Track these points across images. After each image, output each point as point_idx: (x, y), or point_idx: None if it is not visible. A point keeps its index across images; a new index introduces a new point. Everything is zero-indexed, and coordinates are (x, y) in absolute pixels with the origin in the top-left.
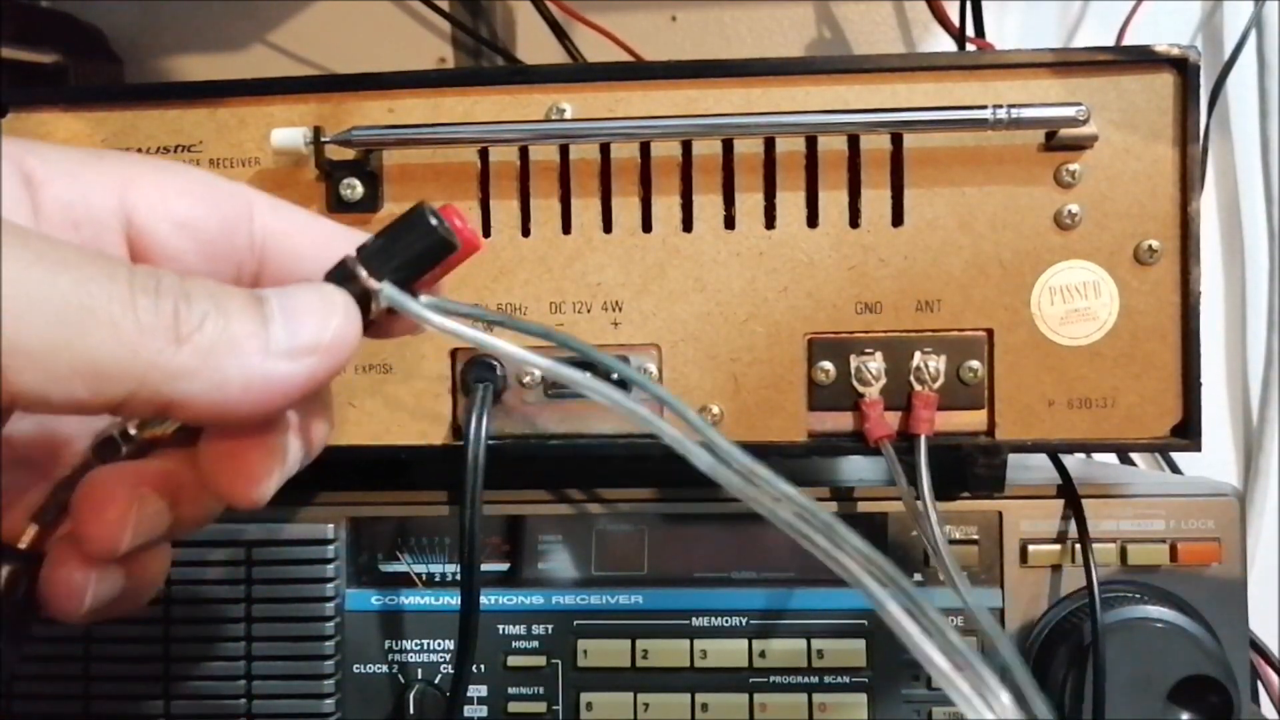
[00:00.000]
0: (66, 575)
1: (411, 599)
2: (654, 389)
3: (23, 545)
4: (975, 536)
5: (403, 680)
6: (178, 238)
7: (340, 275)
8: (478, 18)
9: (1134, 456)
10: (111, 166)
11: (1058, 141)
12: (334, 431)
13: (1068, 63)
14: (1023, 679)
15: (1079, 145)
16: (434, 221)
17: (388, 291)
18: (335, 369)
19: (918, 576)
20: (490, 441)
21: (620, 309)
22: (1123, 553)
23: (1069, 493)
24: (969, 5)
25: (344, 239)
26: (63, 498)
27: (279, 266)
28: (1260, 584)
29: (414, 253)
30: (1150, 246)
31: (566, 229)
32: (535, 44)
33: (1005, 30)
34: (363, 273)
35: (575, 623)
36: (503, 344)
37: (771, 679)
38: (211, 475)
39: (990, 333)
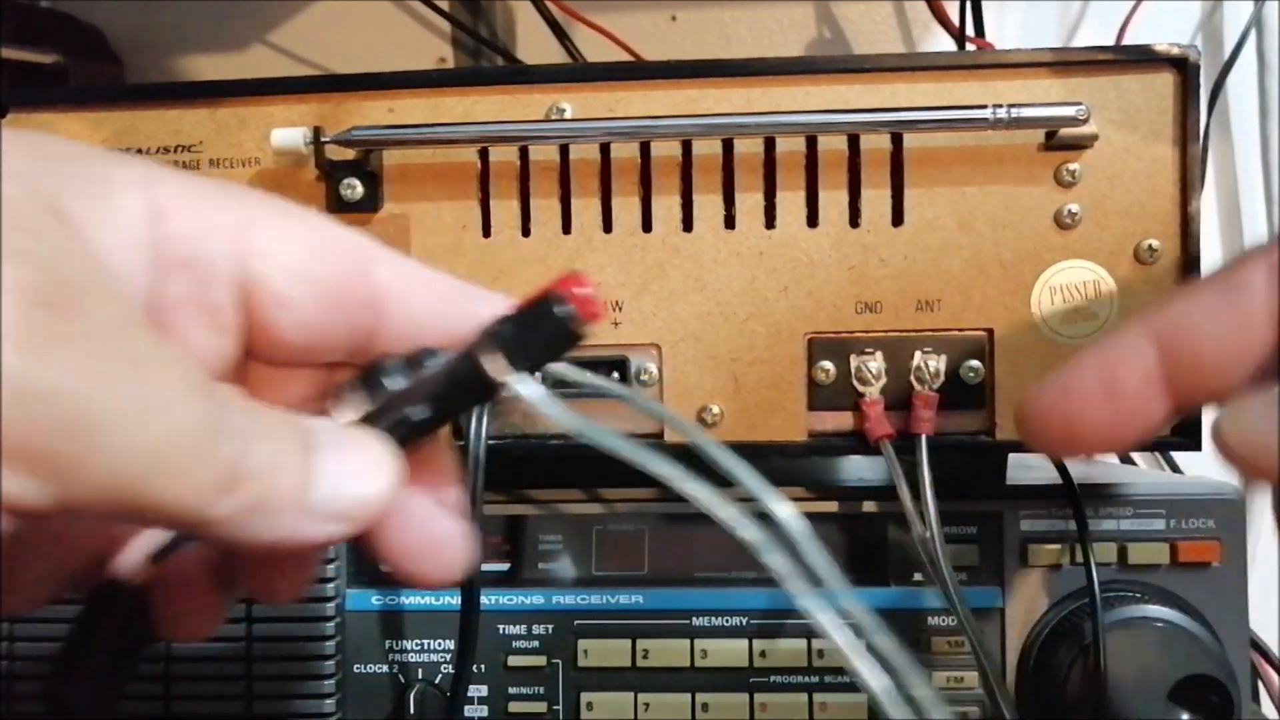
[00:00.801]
0: (184, 607)
1: (412, 599)
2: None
3: (138, 582)
4: (975, 536)
5: (403, 680)
6: (296, 287)
7: (463, 358)
8: (478, 18)
9: (1134, 456)
10: (234, 205)
11: (1058, 141)
12: None
13: (1068, 62)
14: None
15: (1079, 145)
16: (567, 313)
17: (519, 386)
18: (365, 529)
19: (917, 576)
20: (490, 441)
21: (620, 309)
22: (1123, 552)
23: (1069, 492)
24: (969, 5)
25: (459, 296)
26: (168, 549)
27: (398, 324)
28: (1260, 583)
29: (539, 345)
30: (1150, 246)
31: (566, 229)
32: (535, 44)
33: (1005, 30)
34: (487, 362)
35: (575, 622)
36: (648, 457)
37: (772, 679)
38: (250, 578)
39: (990, 332)
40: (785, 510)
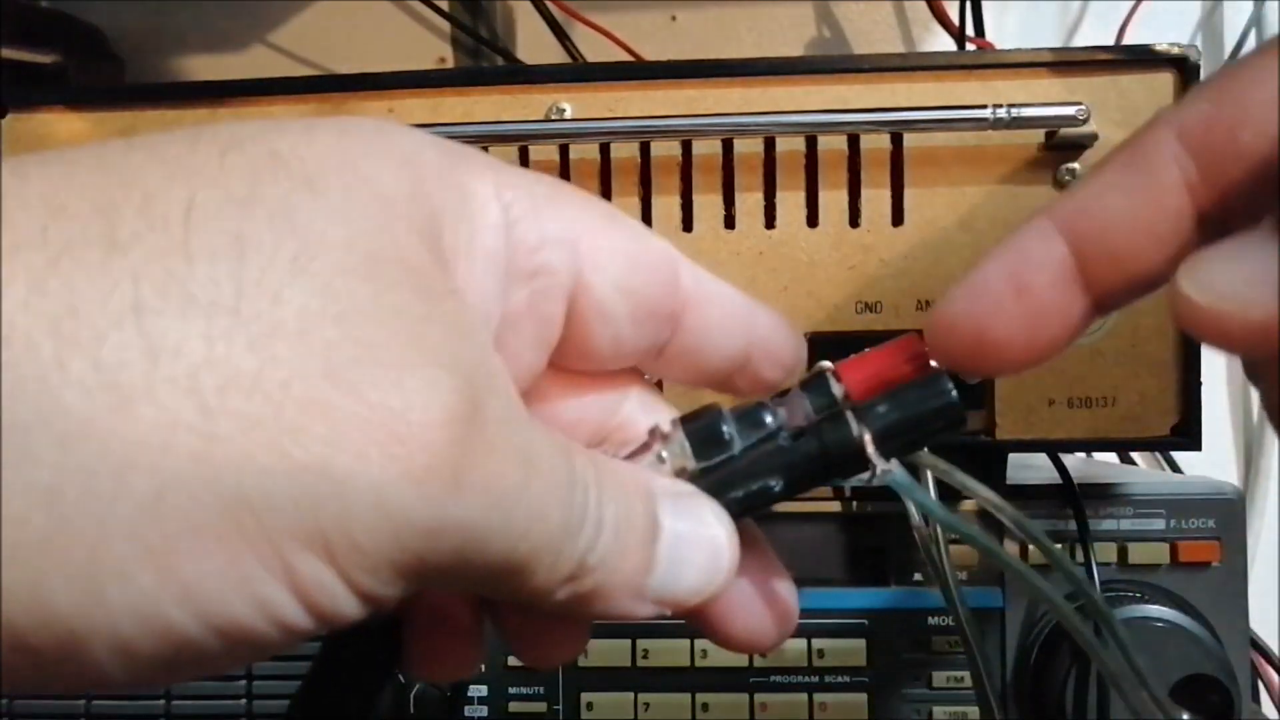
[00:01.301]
0: (437, 646)
1: None
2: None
3: (391, 614)
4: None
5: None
6: (616, 300)
7: (837, 435)
8: (477, 18)
9: (1134, 455)
10: (571, 211)
11: (1058, 141)
12: None
13: (1067, 62)
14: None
15: (1079, 144)
16: (952, 403)
17: (898, 476)
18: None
19: (918, 576)
20: None
21: None
22: (1123, 552)
23: (1069, 492)
24: (969, 5)
25: (745, 309)
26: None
27: (690, 337)
28: (1260, 583)
29: (921, 432)
30: None
31: None
32: (535, 44)
33: (1005, 30)
34: (870, 447)
35: None
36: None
37: (772, 678)
38: (514, 642)
39: None
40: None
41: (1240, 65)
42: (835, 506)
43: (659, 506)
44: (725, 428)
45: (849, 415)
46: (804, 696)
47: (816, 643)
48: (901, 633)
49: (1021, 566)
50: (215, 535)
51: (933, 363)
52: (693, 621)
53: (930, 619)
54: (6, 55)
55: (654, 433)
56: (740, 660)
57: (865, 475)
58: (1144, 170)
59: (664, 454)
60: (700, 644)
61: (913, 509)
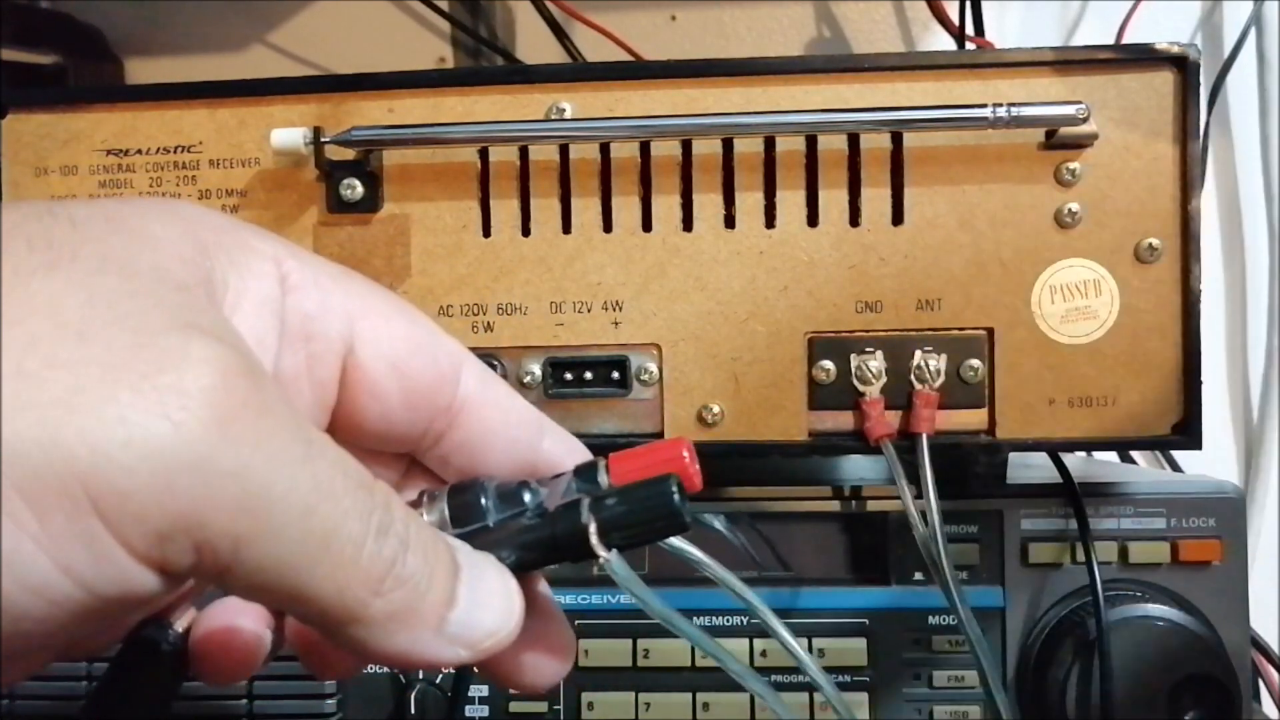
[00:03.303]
0: (222, 655)
1: None
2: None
3: (180, 627)
4: (976, 535)
5: (403, 680)
6: (389, 379)
7: (568, 521)
8: (477, 17)
9: (1135, 455)
10: (353, 289)
11: (1058, 140)
12: None
13: (1067, 61)
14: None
15: (1079, 144)
16: (679, 502)
17: (616, 566)
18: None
19: (918, 576)
20: None
21: (620, 308)
22: (1124, 551)
23: (1070, 491)
24: (969, 4)
25: (531, 424)
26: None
27: (467, 435)
28: (1261, 582)
29: (643, 530)
30: (1151, 245)
31: (566, 229)
32: (535, 44)
33: (1005, 29)
34: (594, 537)
35: (576, 622)
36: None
37: (772, 678)
38: (311, 654)
39: (991, 331)
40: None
41: None
42: (835, 506)
43: (457, 553)
44: (484, 500)
45: (583, 504)
46: (804, 697)
47: (817, 642)
48: (902, 632)
49: (737, 667)
50: None
51: (685, 454)
52: (484, 668)
53: (931, 618)
54: (6, 55)
55: (423, 495)
56: (741, 660)
57: (601, 566)
58: None
59: (426, 516)
60: None
61: (913, 512)
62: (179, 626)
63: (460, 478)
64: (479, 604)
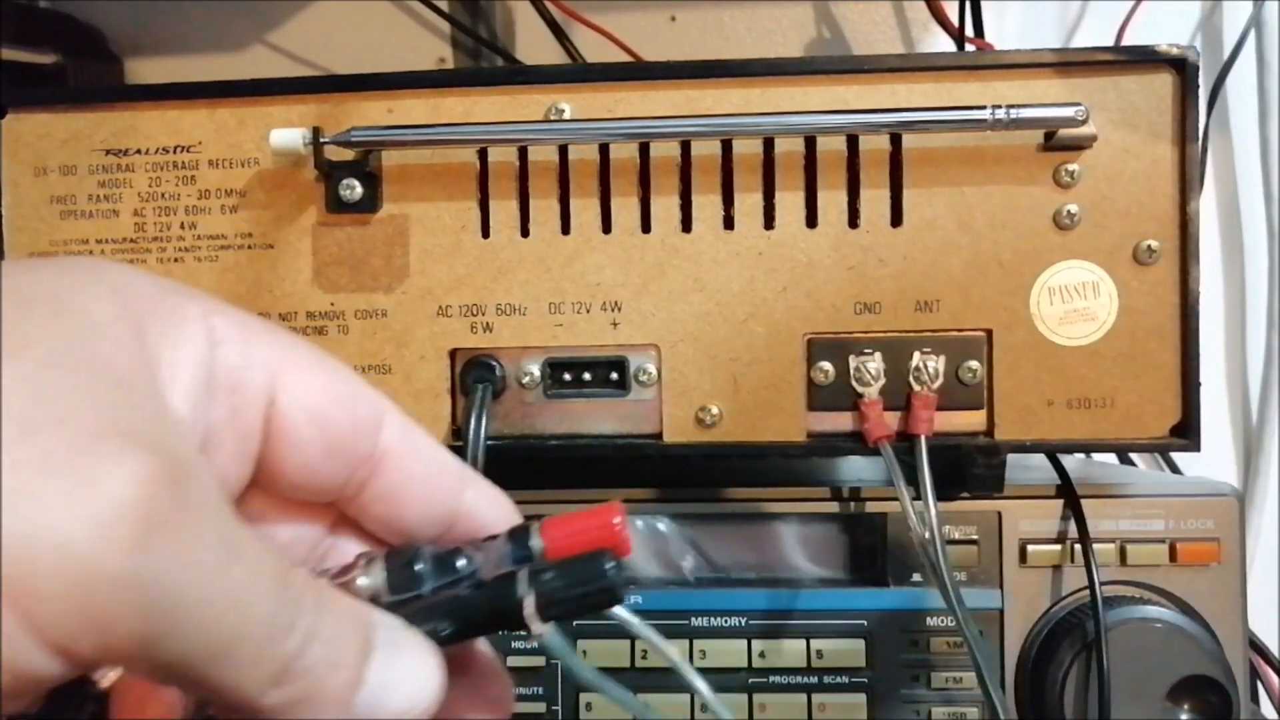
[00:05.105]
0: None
1: None
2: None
3: (104, 685)
4: (975, 537)
5: None
6: (309, 429)
7: (504, 594)
8: (477, 18)
9: (1133, 456)
10: (276, 342)
11: (1057, 141)
12: None
13: (1067, 63)
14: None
15: (1078, 145)
16: (613, 576)
17: (551, 640)
18: None
19: (917, 577)
20: (489, 442)
21: (619, 309)
22: (1122, 553)
23: (1068, 493)
24: (968, 5)
25: (454, 476)
26: None
27: (388, 484)
28: (1260, 584)
29: (579, 605)
30: (1149, 246)
31: (566, 229)
32: (534, 44)
33: (1004, 30)
34: (531, 611)
35: (575, 623)
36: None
37: (771, 679)
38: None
39: (989, 333)
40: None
41: None
42: (834, 508)
43: (375, 632)
44: (420, 566)
45: (520, 576)
46: (803, 697)
47: (816, 643)
48: (901, 633)
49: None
50: None
51: (617, 520)
52: None
53: (929, 620)
54: (6, 55)
55: (359, 559)
56: (740, 661)
57: (536, 639)
58: None
59: (362, 580)
60: (700, 644)
61: (911, 513)
62: (103, 683)
63: (382, 526)
64: (389, 685)
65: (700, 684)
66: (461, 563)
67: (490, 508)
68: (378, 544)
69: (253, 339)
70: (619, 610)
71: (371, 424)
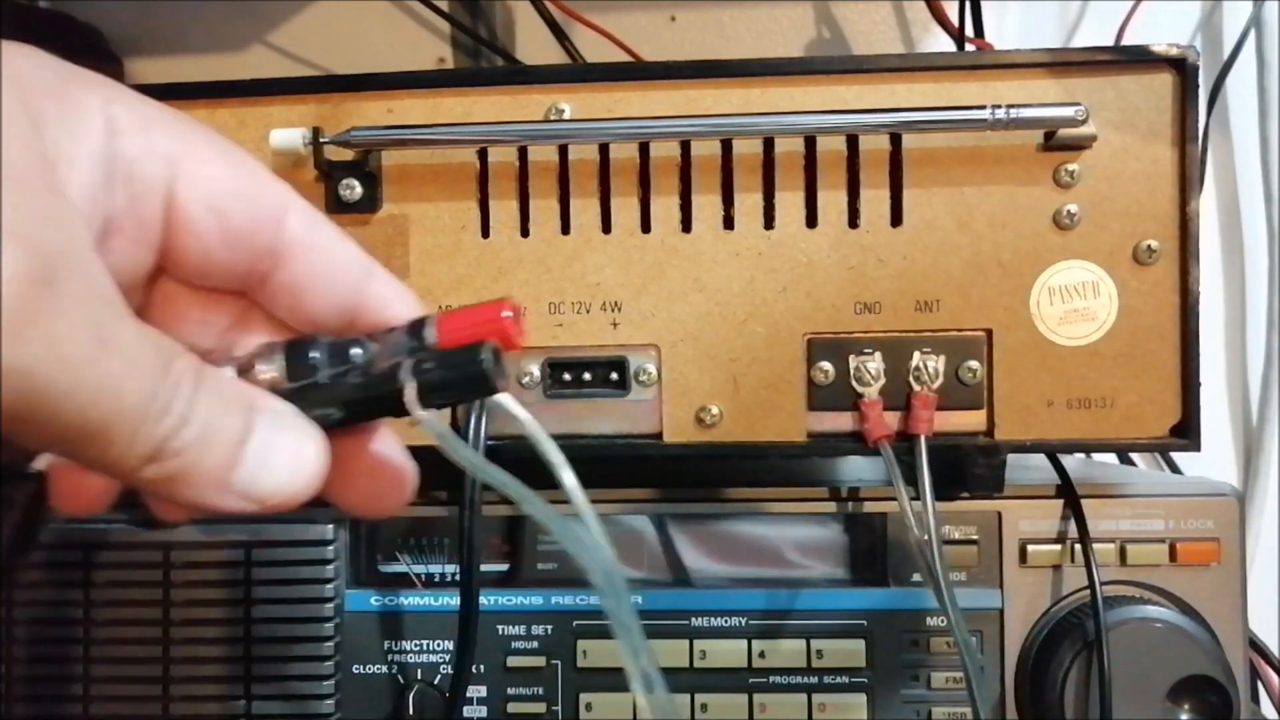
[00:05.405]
0: (78, 489)
1: (411, 600)
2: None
3: (41, 465)
4: (975, 537)
5: (402, 681)
6: (207, 220)
7: (388, 381)
8: (477, 18)
9: (1133, 456)
10: (175, 132)
11: (1056, 141)
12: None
13: (1066, 63)
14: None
15: (1078, 145)
16: (490, 368)
17: (430, 425)
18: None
19: (917, 577)
20: (489, 442)
21: (619, 309)
22: (1122, 553)
23: (1068, 493)
24: (968, 5)
25: (359, 270)
26: None
27: (292, 276)
28: (1260, 583)
29: (457, 392)
30: (1149, 246)
31: (565, 229)
32: (534, 44)
33: (1004, 30)
34: (411, 396)
35: (575, 623)
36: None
37: (771, 679)
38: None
39: (989, 333)
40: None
41: None
42: (833, 507)
43: (256, 415)
44: (315, 355)
45: (403, 367)
46: (803, 697)
47: (816, 643)
48: (900, 633)
49: (544, 511)
50: None
51: (506, 314)
52: (322, 495)
53: (929, 619)
54: None
55: (262, 348)
56: (740, 661)
57: (417, 424)
58: None
59: (261, 368)
60: (700, 644)
61: (909, 515)
62: (40, 464)
63: (289, 316)
64: (266, 464)
65: (541, 512)
66: (356, 352)
67: (394, 301)
68: (288, 333)
69: (154, 128)
70: (501, 399)
71: (273, 216)
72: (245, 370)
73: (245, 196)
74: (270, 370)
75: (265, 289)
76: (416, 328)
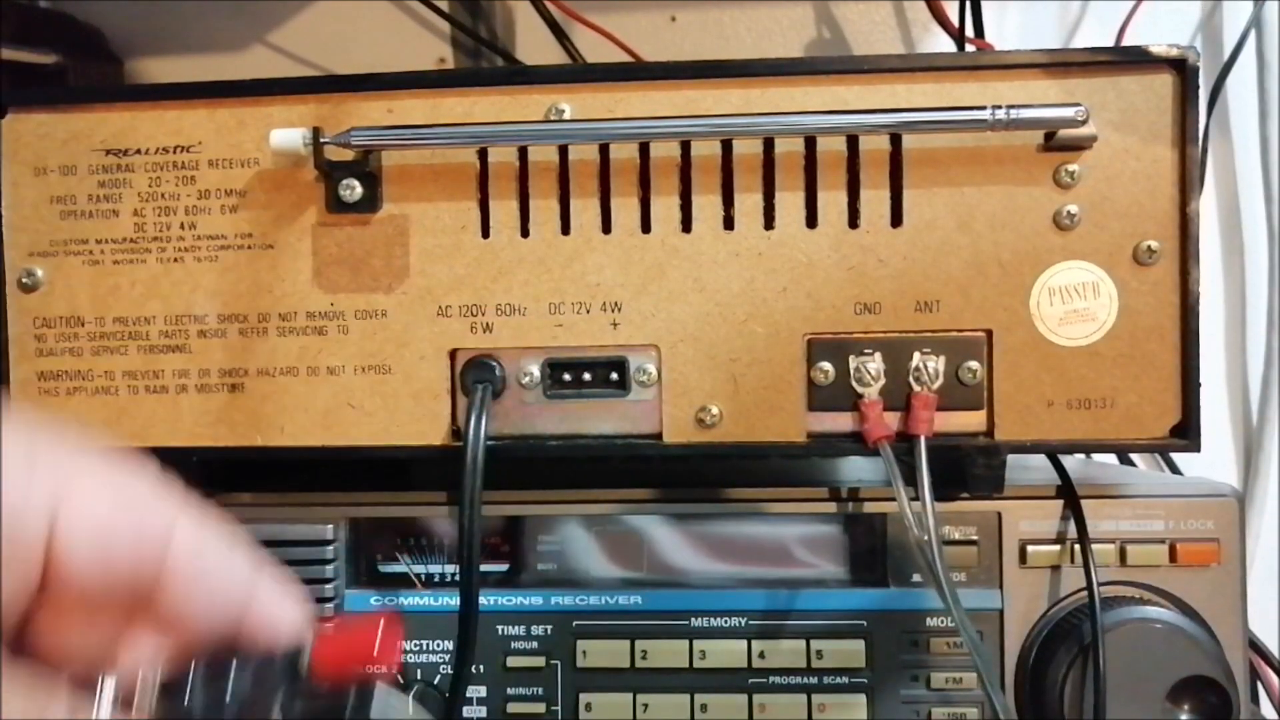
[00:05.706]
0: None
1: (411, 599)
2: None
3: None
4: (974, 537)
5: (402, 680)
6: (88, 554)
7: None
8: (477, 18)
9: (1133, 457)
10: (62, 463)
11: (1057, 142)
12: (336, 432)
13: (1067, 63)
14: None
15: (1078, 146)
16: (354, 714)
17: None
18: None
19: (917, 577)
20: (489, 442)
21: (619, 309)
22: (1122, 553)
23: (1068, 493)
24: (968, 5)
25: (245, 593)
26: None
27: (174, 599)
28: (1259, 584)
29: None
30: (1149, 247)
31: (566, 229)
32: (534, 44)
33: (1005, 30)
34: None
35: (575, 623)
36: None
37: (771, 679)
38: None
39: (989, 333)
40: None
41: None
42: (833, 508)
43: None
44: (189, 696)
45: (275, 704)
46: (803, 697)
47: (815, 644)
48: (900, 634)
49: None
50: None
51: (380, 638)
52: None
53: (929, 620)
54: (6, 55)
55: (141, 682)
56: (739, 661)
57: None
58: None
59: (134, 699)
60: (699, 645)
61: (909, 515)
62: None
63: (173, 629)
64: None
65: None
66: (231, 676)
67: (278, 608)
68: (175, 634)
69: (38, 461)
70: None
71: (157, 548)
72: (127, 702)
73: (128, 530)
74: (144, 698)
75: (150, 604)
76: (293, 658)
